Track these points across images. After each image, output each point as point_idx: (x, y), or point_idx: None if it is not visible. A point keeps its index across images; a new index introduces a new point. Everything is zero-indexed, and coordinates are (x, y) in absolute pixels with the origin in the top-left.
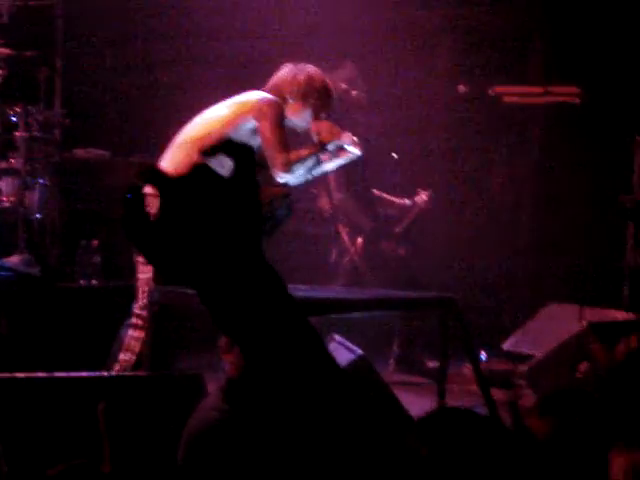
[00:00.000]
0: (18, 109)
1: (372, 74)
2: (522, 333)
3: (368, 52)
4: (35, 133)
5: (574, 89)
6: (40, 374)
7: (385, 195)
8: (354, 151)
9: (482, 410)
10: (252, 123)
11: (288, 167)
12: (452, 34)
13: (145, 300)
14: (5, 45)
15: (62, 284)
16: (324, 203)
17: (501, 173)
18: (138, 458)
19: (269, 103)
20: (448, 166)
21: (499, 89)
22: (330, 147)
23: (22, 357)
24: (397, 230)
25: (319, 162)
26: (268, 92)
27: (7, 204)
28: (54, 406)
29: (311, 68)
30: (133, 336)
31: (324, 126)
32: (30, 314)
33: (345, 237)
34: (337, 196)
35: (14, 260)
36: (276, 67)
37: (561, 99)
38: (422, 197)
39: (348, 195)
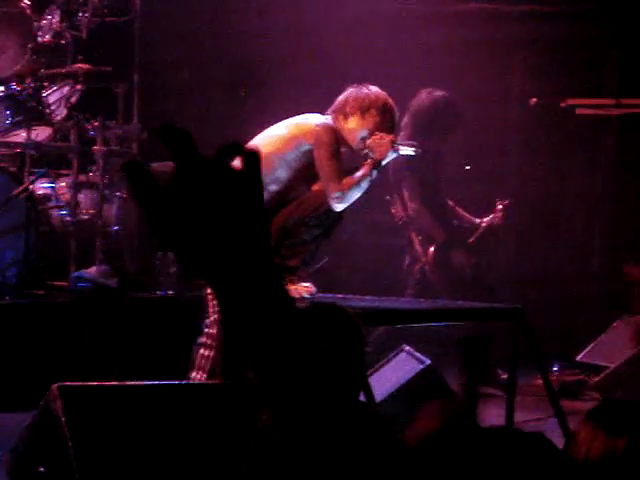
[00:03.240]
0: (96, 123)
1: (446, 90)
2: (596, 345)
3: (442, 69)
4: (113, 147)
5: None
6: (130, 382)
7: (458, 209)
8: (409, 153)
9: (552, 422)
10: (307, 146)
11: (342, 198)
12: (527, 48)
13: (215, 316)
14: (84, 61)
15: (139, 295)
16: (399, 211)
17: (575, 186)
18: (208, 465)
19: (325, 129)
20: (522, 178)
21: (571, 101)
22: (384, 162)
23: (102, 366)
24: (470, 241)
25: (372, 179)
26: (331, 112)
27: (86, 217)
28: (138, 414)
29: (373, 87)
30: (204, 355)
31: (375, 141)
32: (109, 324)
33: (417, 246)
34: (411, 206)
35: (92, 271)
36: (343, 86)
37: (634, 110)
38: (496, 214)
39: (422, 205)
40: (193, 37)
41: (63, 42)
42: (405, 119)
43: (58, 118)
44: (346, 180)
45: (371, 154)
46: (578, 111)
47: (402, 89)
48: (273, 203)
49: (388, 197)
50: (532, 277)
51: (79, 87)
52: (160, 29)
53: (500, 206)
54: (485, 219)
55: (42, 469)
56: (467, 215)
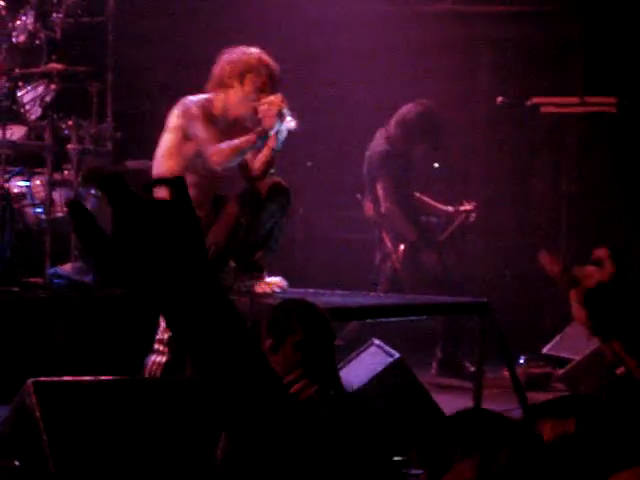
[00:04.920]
0: (70, 122)
1: (411, 89)
2: (561, 337)
3: (408, 68)
4: (87, 146)
5: (611, 99)
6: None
7: (428, 200)
8: (293, 126)
9: (518, 414)
10: (187, 127)
11: (219, 157)
12: (492, 48)
13: (165, 323)
14: (58, 60)
15: (114, 291)
16: (369, 210)
17: (540, 184)
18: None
19: (193, 104)
20: (488, 177)
21: (537, 99)
22: (271, 133)
23: (75, 362)
24: (440, 239)
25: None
26: (210, 89)
27: (61, 214)
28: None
29: (244, 48)
30: (155, 361)
31: (264, 111)
32: (84, 320)
33: (388, 243)
34: (385, 205)
35: (67, 268)
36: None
37: (598, 109)
38: (466, 207)
39: (395, 205)
40: (167, 37)
41: (37, 42)
42: (392, 126)
43: (33, 117)
44: (227, 143)
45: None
46: (543, 109)
47: (371, 89)
48: (199, 198)
49: (359, 195)
50: (499, 274)
51: (53, 87)
52: (134, 29)
53: (469, 206)
54: (460, 207)
55: (17, 463)
56: (437, 204)
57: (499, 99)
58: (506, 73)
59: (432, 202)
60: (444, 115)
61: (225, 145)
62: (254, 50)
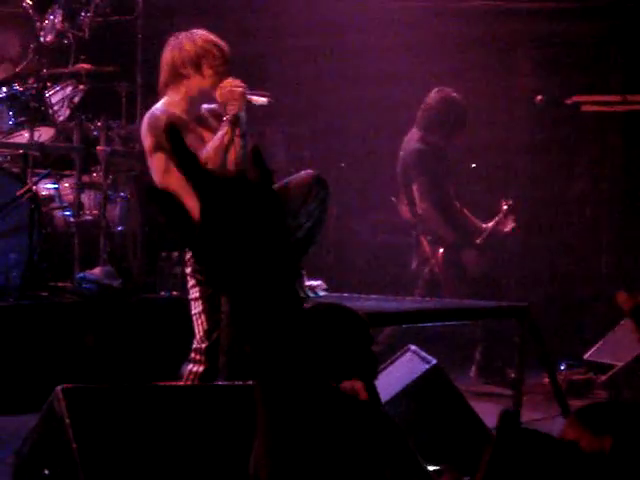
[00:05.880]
0: (99, 123)
1: (451, 87)
2: (603, 343)
3: (447, 66)
4: (116, 147)
5: None
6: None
7: (465, 211)
8: (263, 103)
9: (560, 421)
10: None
11: (209, 164)
12: (531, 45)
13: (202, 333)
14: (86, 60)
15: (143, 295)
16: (405, 212)
17: (582, 183)
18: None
19: (149, 117)
20: (529, 177)
21: (577, 98)
22: (242, 114)
23: (105, 368)
24: (478, 241)
25: (244, 132)
26: (164, 87)
27: (89, 217)
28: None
29: (186, 33)
30: (192, 371)
31: (225, 95)
32: (113, 325)
33: (426, 247)
34: (422, 206)
35: (96, 272)
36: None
37: None
38: (507, 226)
39: (432, 205)
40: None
41: (65, 42)
42: (420, 121)
43: (61, 118)
44: (207, 147)
45: (224, 110)
46: (584, 108)
47: (406, 87)
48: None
49: (393, 198)
50: (539, 276)
51: (82, 87)
52: (163, 28)
53: (505, 206)
54: (490, 223)
55: (47, 471)
56: (473, 218)
57: (538, 98)
58: (546, 71)
59: (470, 216)
60: (470, 107)
61: (206, 150)
62: (199, 32)
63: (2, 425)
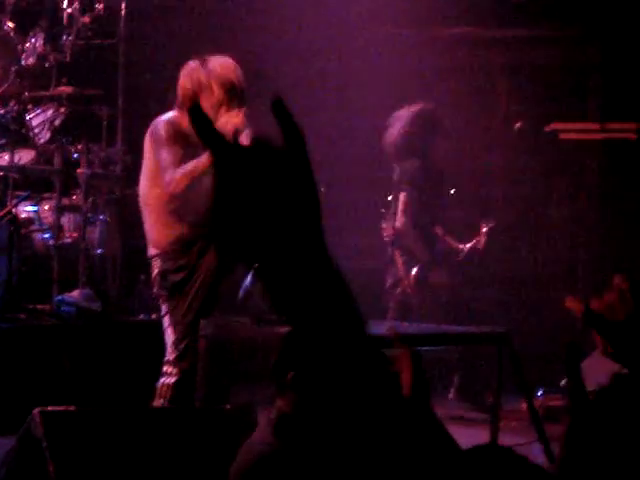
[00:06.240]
0: (80, 146)
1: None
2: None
3: (426, 93)
4: (97, 170)
5: (632, 125)
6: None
7: (446, 237)
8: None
9: (537, 447)
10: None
11: (173, 185)
12: (511, 73)
13: (170, 345)
14: (68, 83)
15: (122, 318)
16: (388, 227)
17: (559, 210)
18: None
19: (158, 123)
20: (507, 202)
21: (555, 126)
22: None
23: (82, 391)
24: (458, 259)
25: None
26: (179, 106)
27: (69, 240)
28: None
29: (198, 61)
30: (164, 383)
31: (222, 126)
32: (92, 348)
33: (400, 266)
34: (401, 219)
35: (75, 295)
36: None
37: (618, 135)
38: (480, 237)
39: (411, 221)
40: (178, 61)
41: (47, 65)
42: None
43: (42, 141)
44: (182, 168)
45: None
46: (562, 136)
47: (382, 115)
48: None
49: (383, 210)
50: (517, 301)
51: (63, 110)
52: (145, 52)
53: (484, 228)
54: (468, 244)
55: None
56: (450, 240)
57: (517, 125)
58: (525, 98)
59: (448, 239)
60: (450, 134)
61: (176, 170)
62: (210, 64)
63: None
